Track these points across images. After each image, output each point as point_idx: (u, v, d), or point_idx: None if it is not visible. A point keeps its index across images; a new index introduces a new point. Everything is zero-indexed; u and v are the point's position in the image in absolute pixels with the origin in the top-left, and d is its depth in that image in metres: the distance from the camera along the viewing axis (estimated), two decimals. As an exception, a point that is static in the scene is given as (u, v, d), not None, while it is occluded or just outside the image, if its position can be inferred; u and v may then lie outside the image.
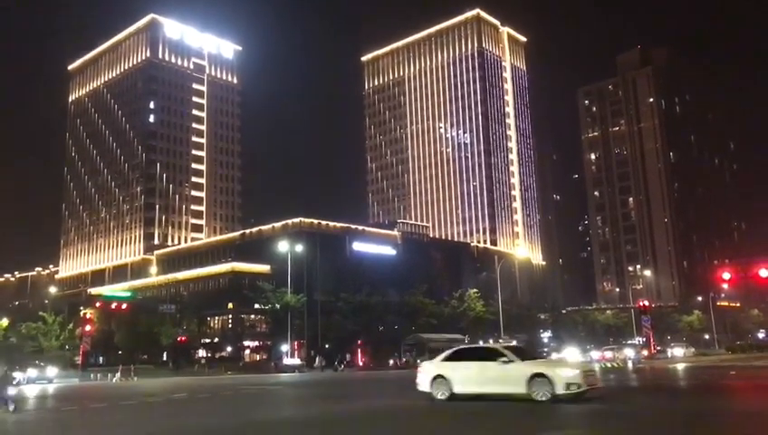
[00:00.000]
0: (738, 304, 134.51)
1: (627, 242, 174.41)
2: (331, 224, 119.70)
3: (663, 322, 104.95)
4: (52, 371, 49.55)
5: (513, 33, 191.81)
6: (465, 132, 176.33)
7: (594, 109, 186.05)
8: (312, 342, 76.61)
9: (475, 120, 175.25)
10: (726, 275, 45.66)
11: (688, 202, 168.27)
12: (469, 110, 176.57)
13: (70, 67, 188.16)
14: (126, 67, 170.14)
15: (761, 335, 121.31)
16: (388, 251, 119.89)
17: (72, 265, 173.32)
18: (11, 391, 21.59)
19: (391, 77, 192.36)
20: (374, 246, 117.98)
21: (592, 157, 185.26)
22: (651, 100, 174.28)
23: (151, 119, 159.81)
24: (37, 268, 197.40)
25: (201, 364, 77.09)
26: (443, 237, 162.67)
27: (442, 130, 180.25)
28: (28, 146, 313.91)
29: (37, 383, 43.81)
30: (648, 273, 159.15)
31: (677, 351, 71.85)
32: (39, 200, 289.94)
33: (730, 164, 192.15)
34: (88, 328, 60.64)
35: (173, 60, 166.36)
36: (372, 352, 73.96)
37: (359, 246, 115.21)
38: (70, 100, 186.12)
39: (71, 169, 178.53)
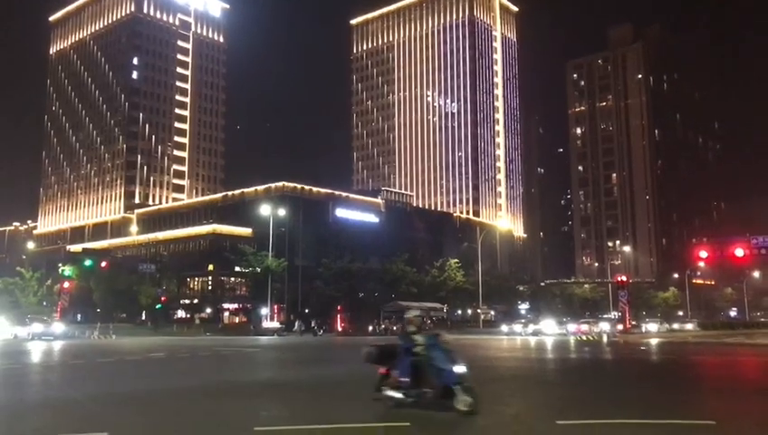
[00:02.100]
0: (713, 283, 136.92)
1: (608, 217, 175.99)
2: (315, 189, 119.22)
3: (639, 297, 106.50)
4: (58, 326, 47.31)
5: (504, 1, 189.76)
6: (452, 102, 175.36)
7: (582, 83, 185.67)
8: (292, 306, 76.85)
9: (463, 89, 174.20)
10: (703, 254, 46.35)
11: (670, 180, 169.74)
12: (458, 79, 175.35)
13: (51, 18, 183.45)
14: (109, 21, 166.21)
15: (733, 314, 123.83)
16: (370, 218, 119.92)
17: (50, 221, 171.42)
18: None
19: (380, 42, 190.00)
20: (357, 213, 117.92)
21: (578, 131, 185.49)
22: (640, 76, 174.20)
23: (135, 75, 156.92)
24: (15, 223, 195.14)
25: (197, 324, 77.16)
26: (426, 207, 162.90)
27: (429, 99, 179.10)
28: (6, 97, 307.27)
29: (43, 340, 42.10)
30: (627, 249, 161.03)
31: (652, 326, 73.06)
32: (18, 153, 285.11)
33: (714, 144, 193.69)
34: (66, 285, 60.22)
35: (158, 15, 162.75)
36: (352, 318, 74.42)
37: (342, 213, 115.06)
38: (51, 51, 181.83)
39: (53, 122, 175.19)
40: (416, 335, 10.98)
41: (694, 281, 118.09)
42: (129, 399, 13.39)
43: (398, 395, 10.63)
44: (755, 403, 13.75)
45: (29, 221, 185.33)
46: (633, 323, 72.13)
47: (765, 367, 23.64)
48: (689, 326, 79.84)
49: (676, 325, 78.97)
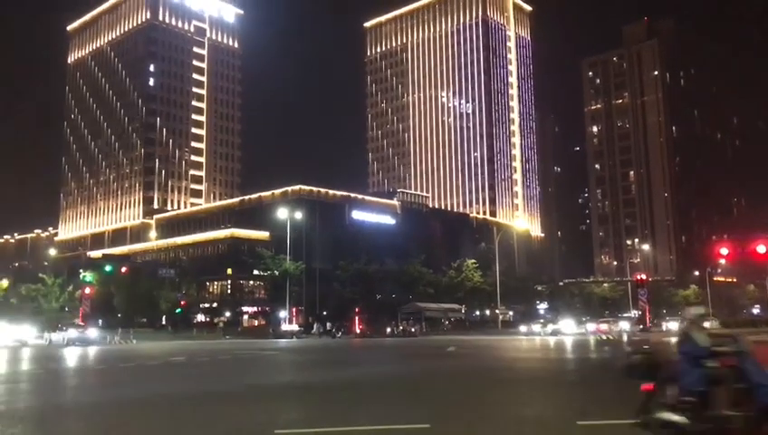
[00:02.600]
0: (734, 280, 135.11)
1: (626, 216, 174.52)
2: (331, 192, 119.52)
3: (659, 296, 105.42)
4: (92, 332, 46.81)
5: (518, 1, 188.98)
6: (467, 102, 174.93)
7: (598, 81, 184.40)
8: (310, 309, 77.10)
9: (478, 89, 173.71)
10: (724, 251, 45.79)
11: (689, 177, 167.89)
12: (472, 79, 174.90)
13: (68, 27, 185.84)
14: (126, 29, 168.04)
15: (756, 311, 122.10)
16: (387, 220, 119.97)
17: (71, 228, 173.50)
18: None
19: (394, 44, 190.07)
20: (373, 215, 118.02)
21: (594, 129, 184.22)
22: (656, 72, 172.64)
23: (151, 82, 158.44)
24: (36, 230, 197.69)
25: (220, 327, 77.69)
26: (442, 208, 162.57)
27: (444, 100, 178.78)
28: (27, 107, 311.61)
29: (77, 345, 42.06)
30: (646, 247, 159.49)
31: (672, 324, 72.30)
32: (38, 162, 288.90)
33: (732, 140, 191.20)
34: (87, 291, 60.92)
35: (173, 22, 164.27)
36: (370, 319, 74.47)
37: (358, 215, 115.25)
38: (69, 60, 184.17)
39: (73, 130, 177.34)
40: (704, 338, 8.08)
41: (715, 278, 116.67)
42: (149, 403, 13.53)
43: (681, 419, 7.69)
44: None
45: (50, 228, 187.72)
46: (654, 321, 71.50)
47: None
48: (711, 324, 78.86)
49: (705, 324, 77.93)
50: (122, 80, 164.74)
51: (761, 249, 40.91)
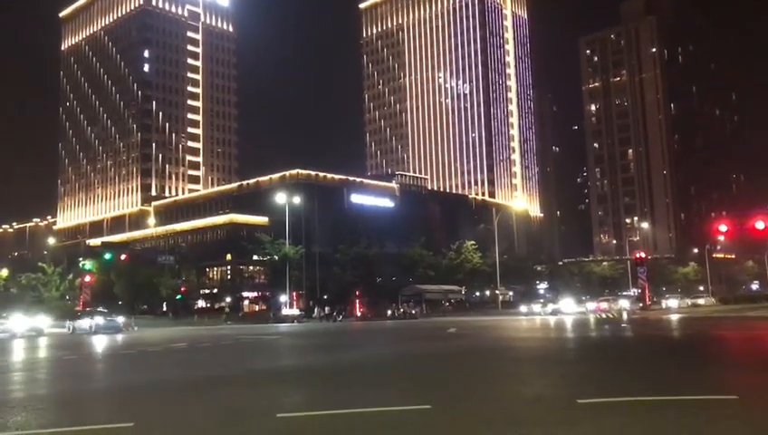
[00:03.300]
0: (734, 256, 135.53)
1: (625, 194, 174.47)
2: (329, 175, 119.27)
3: (659, 273, 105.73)
4: (120, 319, 46.71)
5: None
6: (464, 83, 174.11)
7: (596, 59, 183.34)
8: (311, 293, 77.28)
9: (475, 69, 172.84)
10: (723, 228, 45.75)
11: (688, 154, 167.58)
12: (469, 59, 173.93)
13: (61, 14, 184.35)
14: (119, 15, 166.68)
15: (755, 287, 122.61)
16: (386, 203, 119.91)
17: (69, 216, 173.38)
18: None
19: (389, 25, 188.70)
20: (372, 198, 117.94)
21: (593, 108, 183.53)
22: (654, 49, 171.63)
23: (146, 68, 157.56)
24: (35, 219, 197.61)
25: (225, 313, 77.86)
26: (441, 189, 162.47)
27: (441, 81, 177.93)
28: (21, 95, 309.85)
29: (106, 333, 41.42)
30: (645, 225, 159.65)
31: (672, 302, 72.65)
32: (35, 151, 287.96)
33: (731, 116, 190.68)
34: (87, 279, 60.98)
35: (167, 7, 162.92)
36: (370, 302, 74.70)
37: (357, 198, 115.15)
38: (63, 47, 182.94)
39: (69, 117, 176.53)
40: None
41: (714, 255, 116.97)
42: (152, 389, 13.59)
43: None
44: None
45: (48, 217, 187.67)
46: (653, 299, 71.76)
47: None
48: (710, 300, 79.22)
49: (700, 300, 78.32)
50: (118, 66, 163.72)
51: (759, 225, 40.94)
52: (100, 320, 44.15)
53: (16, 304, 62.13)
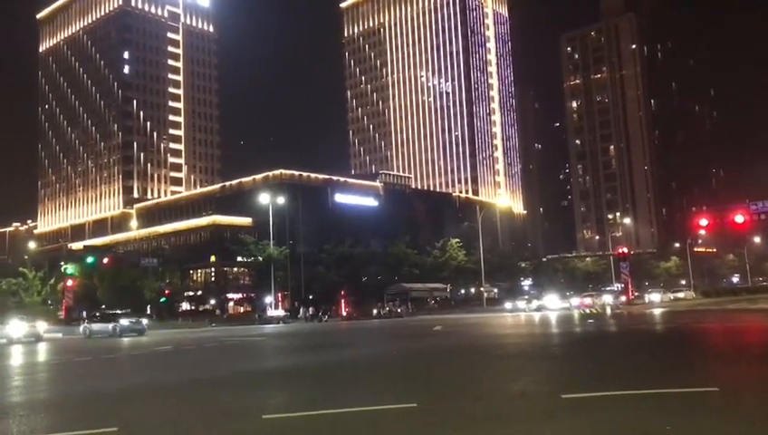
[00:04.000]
0: (715, 250, 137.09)
1: (607, 190, 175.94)
2: (313, 175, 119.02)
3: (641, 268, 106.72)
4: (144, 322, 46.27)
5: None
6: (446, 81, 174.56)
7: (576, 56, 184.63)
8: (296, 293, 77.06)
9: (457, 68, 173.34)
10: (704, 222, 46.44)
11: (668, 149, 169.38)
12: (451, 57, 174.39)
13: (39, 15, 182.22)
14: (98, 16, 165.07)
15: (735, 280, 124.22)
16: (370, 202, 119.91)
17: (50, 220, 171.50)
18: None
19: (371, 25, 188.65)
20: (356, 198, 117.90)
21: (574, 105, 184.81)
22: (634, 46, 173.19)
23: (126, 69, 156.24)
24: (15, 223, 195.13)
25: (216, 314, 77.41)
26: (425, 188, 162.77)
27: (423, 79, 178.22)
28: (2, 99, 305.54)
29: (129, 336, 40.78)
30: (627, 220, 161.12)
31: (655, 296, 73.36)
32: (14, 154, 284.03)
33: (710, 111, 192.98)
34: (70, 283, 60.34)
35: (146, 8, 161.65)
36: (356, 302, 74.68)
37: (341, 198, 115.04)
38: (41, 48, 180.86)
39: (49, 120, 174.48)
40: None
41: (695, 249, 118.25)
42: (136, 393, 13.49)
43: None
44: (758, 369, 13.86)
45: (29, 221, 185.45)
46: (636, 293, 72.37)
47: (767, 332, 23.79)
48: (692, 294, 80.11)
49: (680, 294, 79.19)
50: (98, 67, 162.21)
51: (739, 219, 41.57)
52: (125, 322, 43.47)
53: None
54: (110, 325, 42.41)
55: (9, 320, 43.05)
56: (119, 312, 49.52)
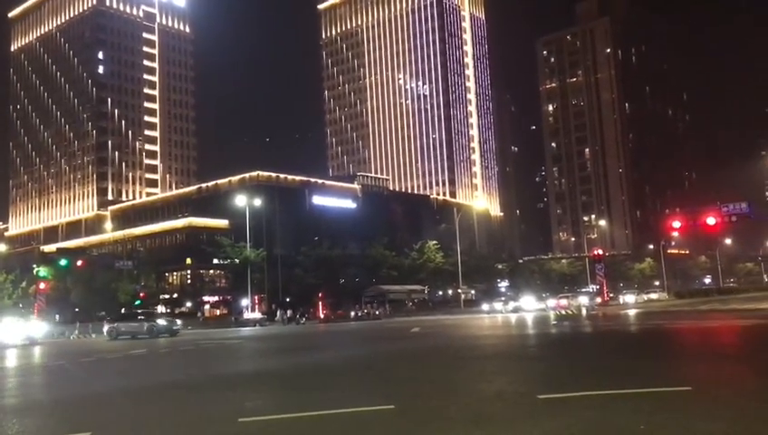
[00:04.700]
0: (687, 252, 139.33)
1: (582, 192, 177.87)
2: (290, 177, 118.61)
3: (616, 270, 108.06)
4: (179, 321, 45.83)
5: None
6: (424, 84, 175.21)
7: (552, 60, 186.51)
8: (273, 295, 76.65)
9: (434, 70, 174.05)
10: (676, 224, 47.13)
11: (642, 153, 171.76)
12: (428, 60, 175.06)
13: (10, 14, 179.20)
14: (72, 15, 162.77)
15: (707, 281, 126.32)
16: (348, 204, 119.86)
17: (22, 222, 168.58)
18: None
19: (349, 26, 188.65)
20: (334, 200, 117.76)
21: (550, 108, 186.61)
22: (608, 50, 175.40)
23: (101, 69, 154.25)
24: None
25: (193, 318, 76.51)
26: (403, 190, 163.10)
27: (401, 82, 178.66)
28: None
29: (165, 337, 39.85)
30: (602, 222, 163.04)
31: (629, 297, 74.32)
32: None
33: (683, 115, 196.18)
34: (42, 286, 59.30)
35: (121, 7, 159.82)
36: (334, 304, 74.52)
37: (318, 200, 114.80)
38: (12, 48, 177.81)
39: (22, 119, 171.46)
40: None
41: (669, 251, 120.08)
42: (110, 397, 13.30)
43: None
44: (729, 368, 14.10)
45: (0, 223, 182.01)
46: (611, 295, 73.24)
47: (738, 332, 24.22)
48: (665, 295, 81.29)
49: (653, 295, 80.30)
50: (73, 66, 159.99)
51: (710, 221, 42.26)
52: (162, 321, 42.63)
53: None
54: (146, 325, 41.06)
55: (2, 320, 41.27)
56: (150, 310, 48.07)
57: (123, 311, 50.31)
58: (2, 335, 37.47)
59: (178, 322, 46.37)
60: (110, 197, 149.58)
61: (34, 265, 73.67)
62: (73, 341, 44.76)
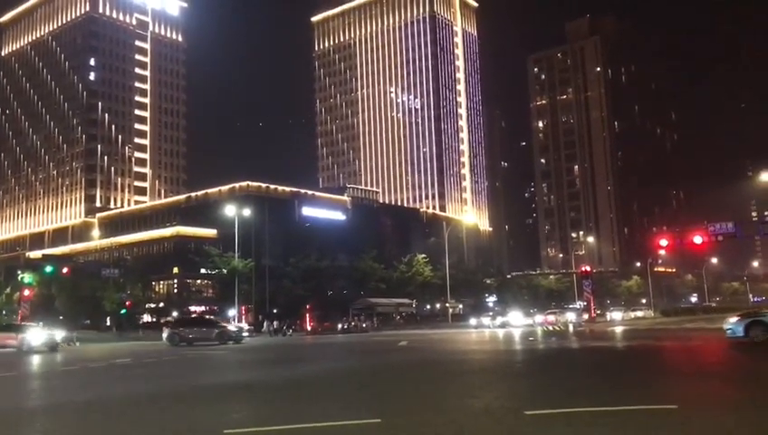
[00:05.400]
0: (674, 270, 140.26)
1: (571, 209, 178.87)
2: (280, 188, 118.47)
3: (603, 286, 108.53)
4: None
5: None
6: (415, 97, 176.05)
7: (543, 77, 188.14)
8: (260, 307, 76.24)
9: (426, 85, 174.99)
10: (664, 242, 47.44)
11: (630, 170, 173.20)
12: (420, 74, 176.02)
13: (1, 19, 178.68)
14: (64, 21, 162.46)
15: (693, 299, 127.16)
16: (337, 216, 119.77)
17: (8, 228, 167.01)
18: None
19: (342, 39, 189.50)
20: (324, 211, 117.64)
21: (540, 124, 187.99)
22: (598, 69, 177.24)
23: (92, 76, 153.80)
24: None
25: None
26: (392, 203, 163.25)
27: (393, 95, 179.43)
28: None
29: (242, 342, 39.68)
30: (590, 239, 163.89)
31: (616, 314, 74.65)
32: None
33: (671, 134, 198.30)
34: (27, 292, 58.70)
35: (114, 15, 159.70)
36: (321, 316, 74.26)
37: (308, 211, 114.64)
38: (4, 52, 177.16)
39: (12, 124, 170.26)
40: None
41: (656, 269, 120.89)
42: (91, 407, 13.14)
43: None
44: (715, 386, 14.16)
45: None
46: (598, 311, 73.52)
47: (724, 351, 24.35)
48: (652, 313, 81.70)
49: (639, 313, 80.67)
50: (64, 72, 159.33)
51: (697, 240, 42.59)
52: (232, 327, 41.67)
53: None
54: (215, 331, 40.23)
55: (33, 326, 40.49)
56: (209, 318, 47.25)
57: (182, 317, 49.85)
58: (31, 339, 36.69)
59: (245, 327, 45.78)
60: (98, 204, 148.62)
61: (19, 272, 72.96)
62: (80, 347, 43.94)
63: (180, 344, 39.29)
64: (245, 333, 42.73)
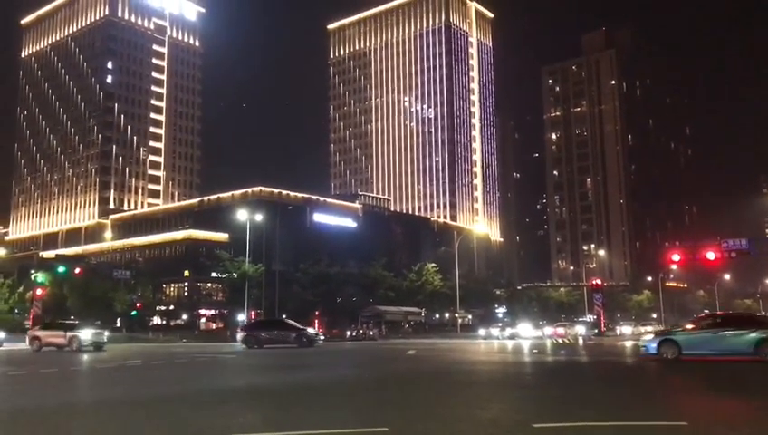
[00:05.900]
0: (686, 286, 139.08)
1: (583, 221, 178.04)
2: (292, 194, 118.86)
3: (614, 300, 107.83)
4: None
5: (480, 8, 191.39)
6: (429, 107, 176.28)
7: (557, 89, 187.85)
8: (270, 312, 76.41)
9: (440, 94, 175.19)
10: (676, 257, 47.07)
11: (643, 184, 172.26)
12: (434, 84, 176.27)
13: (22, 21, 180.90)
14: (84, 24, 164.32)
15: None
16: (348, 223, 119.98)
17: (23, 227, 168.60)
18: None
19: (357, 47, 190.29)
20: (335, 218, 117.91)
21: (553, 136, 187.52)
22: (613, 82, 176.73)
23: (109, 79, 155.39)
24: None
25: (200, 330, 76.44)
26: (404, 211, 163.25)
27: (407, 104, 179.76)
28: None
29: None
30: (601, 252, 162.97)
31: (626, 329, 74.13)
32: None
33: (685, 149, 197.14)
34: (39, 292, 59.16)
35: (133, 19, 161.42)
36: (330, 323, 74.27)
37: (319, 217, 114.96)
38: (24, 54, 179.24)
39: (30, 125, 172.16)
40: None
41: (667, 284, 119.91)
42: (101, 408, 13.23)
43: None
44: (725, 403, 14.04)
45: (0, 227, 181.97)
46: (608, 325, 73.03)
47: (735, 367, 24.11)
48: (662, 328, 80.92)
49: (650, 327, 79.98)
50: (83, 75, 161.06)
51: (710, 256, 42.24)
52: (311, 331, 43.73)
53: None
54: (293, 335, 41.47)
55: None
56: (284, 320, 48.20)
57: (254, 319, 50.77)
58: (80, 338, 37.86)
59: (321, 334, 47.61)
60: (111, 205, 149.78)
61: (32, 271, 73.57)
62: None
63: (254, 347, 40.11)
64: (319, 335, 46.26)
